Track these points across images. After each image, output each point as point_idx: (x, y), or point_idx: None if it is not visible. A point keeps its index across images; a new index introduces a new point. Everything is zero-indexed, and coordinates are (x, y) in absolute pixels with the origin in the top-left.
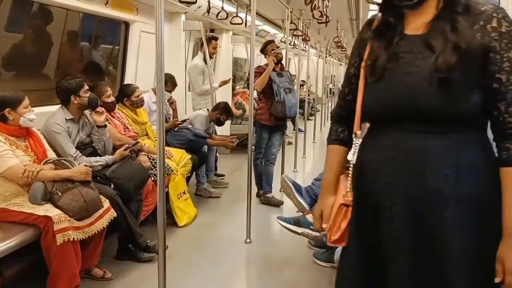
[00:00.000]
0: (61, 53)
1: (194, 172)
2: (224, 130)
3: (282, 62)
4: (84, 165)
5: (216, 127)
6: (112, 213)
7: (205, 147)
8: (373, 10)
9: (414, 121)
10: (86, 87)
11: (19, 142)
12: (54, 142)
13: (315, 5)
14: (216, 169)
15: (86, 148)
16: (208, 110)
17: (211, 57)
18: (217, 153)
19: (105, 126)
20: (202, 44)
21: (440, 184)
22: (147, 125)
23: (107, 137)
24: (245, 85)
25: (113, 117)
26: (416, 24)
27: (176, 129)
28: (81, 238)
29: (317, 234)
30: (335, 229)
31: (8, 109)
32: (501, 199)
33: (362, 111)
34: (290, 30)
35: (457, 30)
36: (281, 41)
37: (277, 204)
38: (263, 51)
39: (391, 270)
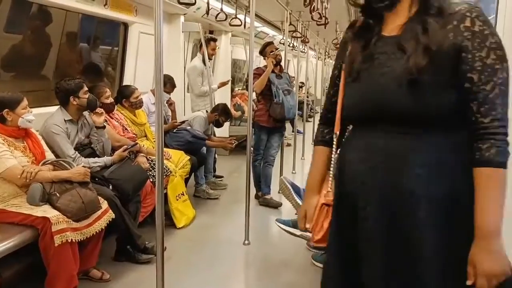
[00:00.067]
0: (60, 54)
1: (193, 174)
2: (223, 131)
3: (281, 63)
4: (83, 166)
5: (215, 128)
6: (111, 214)
7: (204, 148)
8: None
9: (387, 121)
10: (85, 88)
11: (17, 143)
12: (52, 143)
13: (314, 7)
14: (214, 170)
15: (85, 149)
16: (207, 111)
17: (210, 59)
18: (216, 155)
19: (104, 127)
20: (201, 46)
21: (413, 184)
22: (146, 126)
23: (106, 138)
24: (244, 87)
25: (112, 118)
26: (393, 25)
27: (175, 131)
28: (79, 239)
29: None
30: (318, 228)
31: (6, 110)
32: (474, 200)
33: (341, 111)
34: (289, 31)
35: (428, 32)
36: (280, 43)
37: (276, 205)
38: (262, 52)
39: (364, 270)
